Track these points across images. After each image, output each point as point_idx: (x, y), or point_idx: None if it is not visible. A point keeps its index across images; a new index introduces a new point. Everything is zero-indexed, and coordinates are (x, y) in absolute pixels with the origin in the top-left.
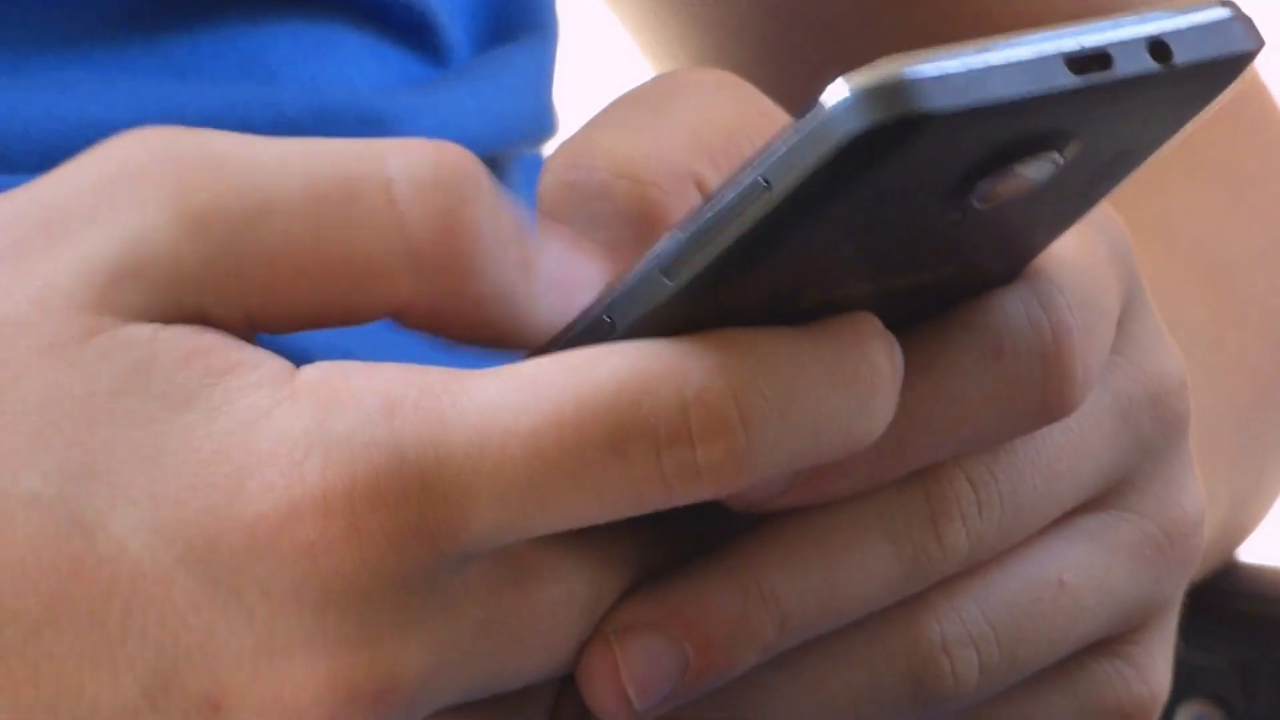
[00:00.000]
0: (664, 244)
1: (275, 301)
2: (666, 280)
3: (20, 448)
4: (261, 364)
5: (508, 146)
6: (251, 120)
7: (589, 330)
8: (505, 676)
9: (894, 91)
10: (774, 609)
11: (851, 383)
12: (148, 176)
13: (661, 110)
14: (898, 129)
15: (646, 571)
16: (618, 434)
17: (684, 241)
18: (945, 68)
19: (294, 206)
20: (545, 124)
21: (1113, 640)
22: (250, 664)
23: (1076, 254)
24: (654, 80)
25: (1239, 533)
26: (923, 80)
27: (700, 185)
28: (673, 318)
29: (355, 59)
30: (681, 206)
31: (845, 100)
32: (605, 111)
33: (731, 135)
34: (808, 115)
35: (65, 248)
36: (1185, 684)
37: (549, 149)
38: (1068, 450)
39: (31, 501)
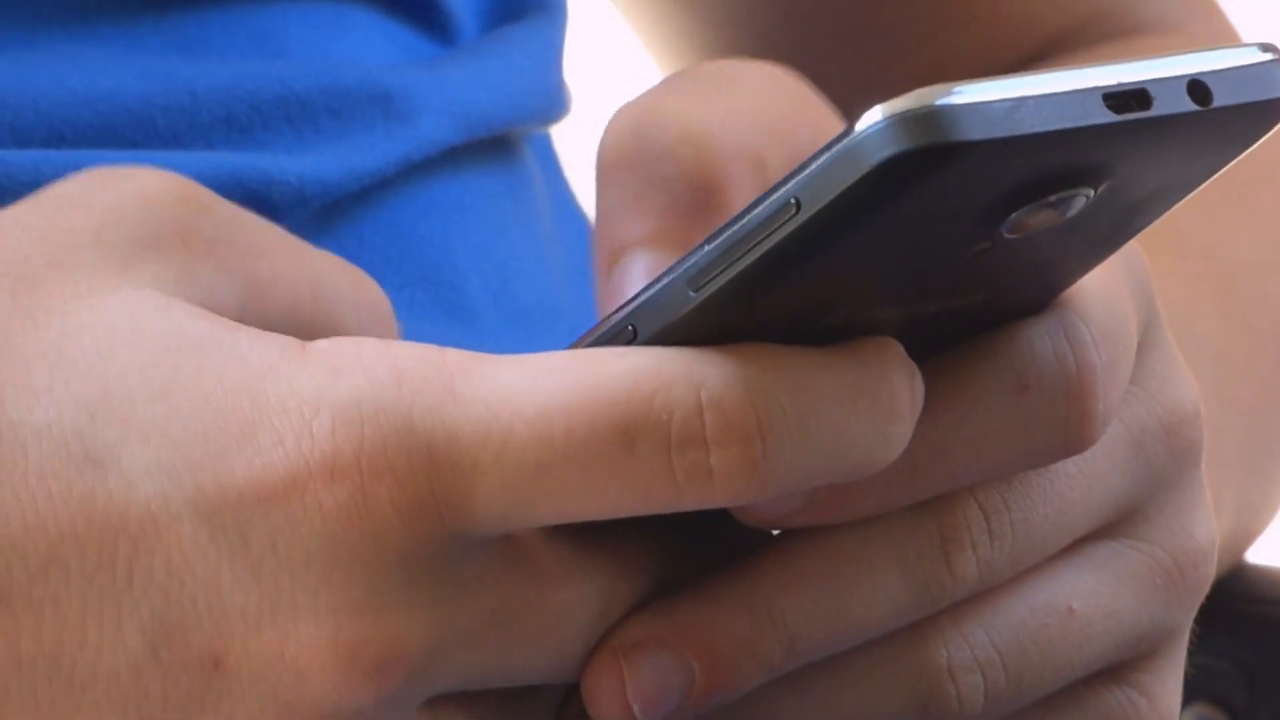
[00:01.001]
0: (691, 256)
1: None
2: (691, 292)
3: (37, 380)
4: (267, 332)
5: (517, 124)
6: (261, 96)
7: (610, 337)
8: (510, 671)
9: (928, 119)
10: (782, 631)
11: (872, 407)
12: (142, 169)
13: (726, 88)
14: (929, 156)
15: (658, 585)
16: (628, 428)
17: (711, 255)
18: (981, 98)
19: (273, 230)
20: (556, 103)
21: (1124, 668)
22: (254, 619)
23: (1101, 286)
24: (713, 64)
25: (1245, 538)
26: (957, 109)
27: (760, 163)
28: (695, 330)
29: (364, 36)
30: (741, 180)
31: (879, 125)
32: (670, 80)
33: (789, 123)
34: (841, 138)
35: (79, 220)
36: (1189, 687)
37: (560, 128)
38: (1080, 479)
39: (44, 432)
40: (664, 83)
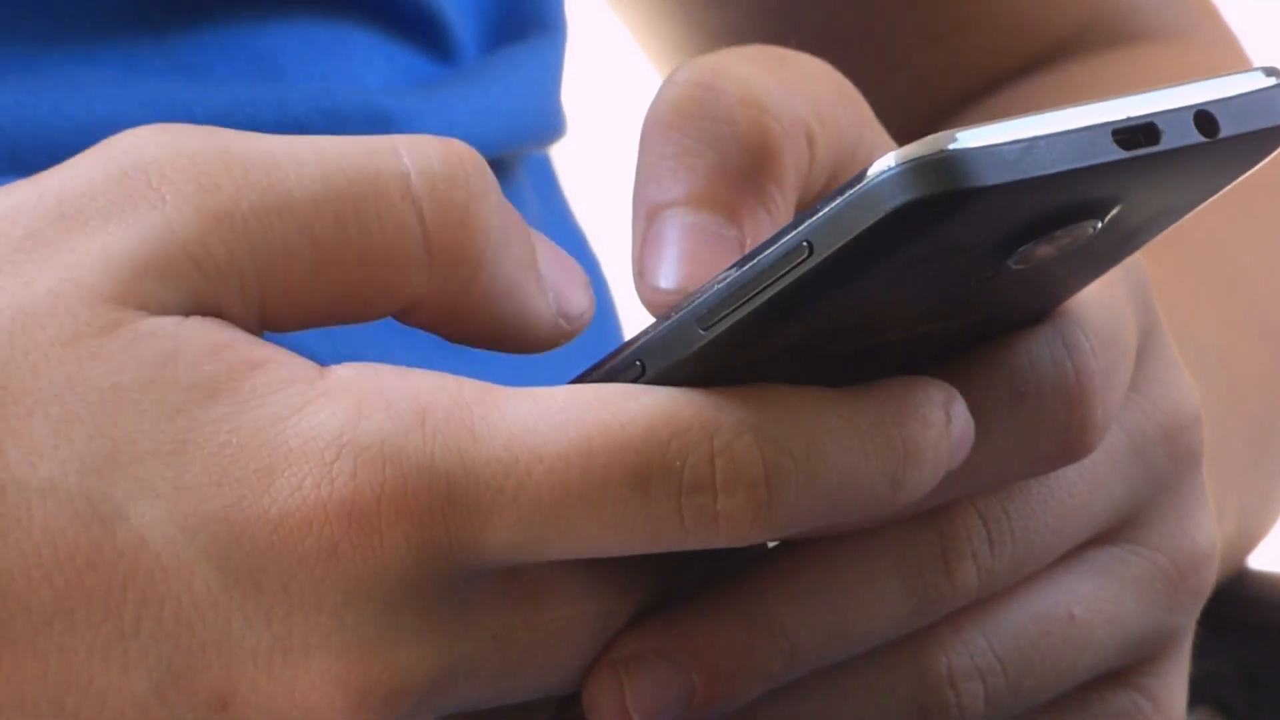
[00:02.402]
0: (701, 294)
1: (290, 299)
2: (701, 330)
3: (39, 437)
4: (288, 361)
5: (516, 147)
6: (259, 120)
7: (618, 372)
8: (512, 690)
9: (941, 166)
10: (782, 641)
11: (884, 454)
12: (165, 172)
13: (781, 65)
14: (943, 202)
15: (656, 597)
16: (642, 472)
17: (721, 294)
18: (991, 141)
19: (313, 202)
20: (554, 125)
21: (1128, 672)
22: (265, 661)
23: (1099, 293)
24: (767, 46)
25: (1248, 543)
26: (970, 154)
27: (811, 138)
28: (704, 368)
29: (365, 58)
30: (796, 152)
31: (892, 171)
32: (731, 50)
33: (834, 108)
34: (854, 183)
35: (84, 240)
36: (1191, 691)
37: (558, 150)
38: (1080, 486)
39: (49, 491)
40: (724, 51)
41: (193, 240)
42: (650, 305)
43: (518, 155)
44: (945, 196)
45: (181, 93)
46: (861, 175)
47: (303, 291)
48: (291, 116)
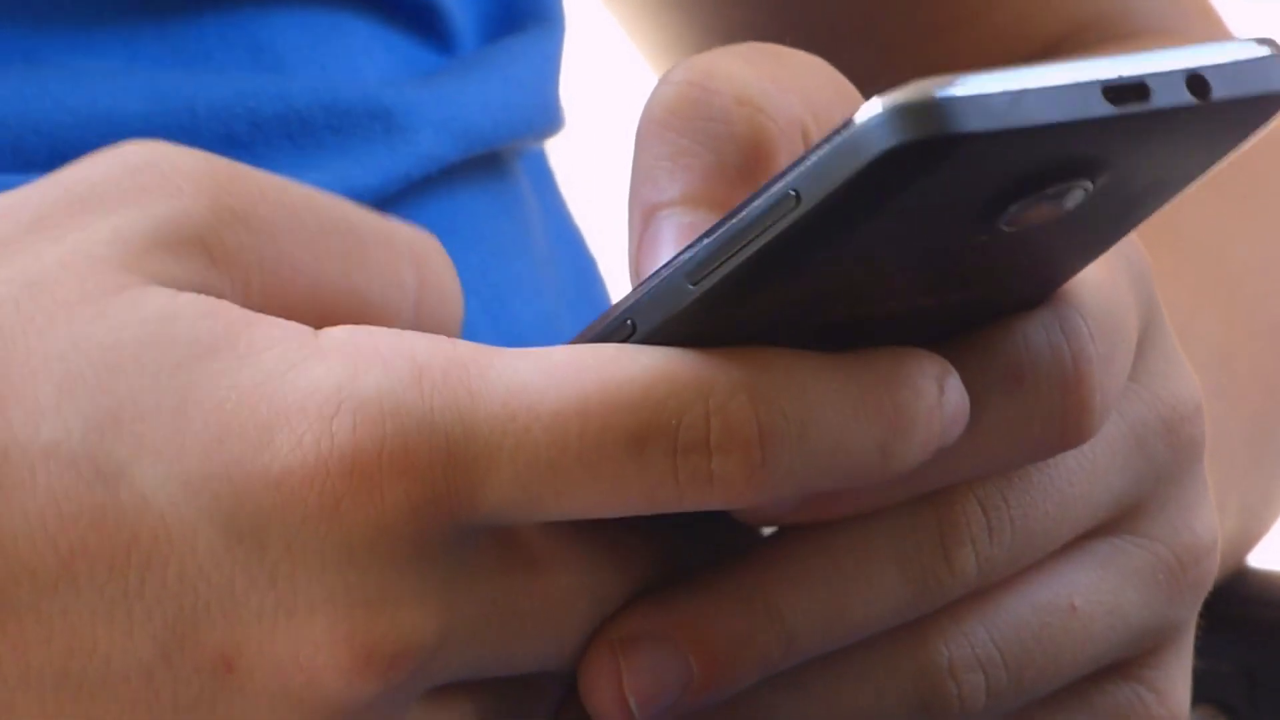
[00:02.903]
0: (691, 250)
1: (280, 313)
2: (691, 286)
3: (42, 398)
4: (281, 322)
5: (513, 140)
6: (261, 112)
7: (610, 332)
8: (511, 658)
9: (927, 110)
10: (780, 627)
11: (874, 419)
12: (180, 168)
13: (775, 62)
14: (929, 148)
15: (655, 576)
16: (639, 432)
17: (711, 247)
18: (980, 90)
19: (320, 226)
20: (552, 118)
21: (1131, 664)
22: (269, 621)
23: (1099, 280)
24: (760, 43)
25: (1248, 541)
26: (957, 101)
27: (806, 135)
28: (693, 326)
29: (364, 47)
30: (792, 150)
31: (878, 117)
32: (724, 49)
33: (829, 104)
34: (840, 130)
35: (95, 220)
36: (1192, 690)
37: (554, 148)
38: (1080, 475)
39: (52, 452)
40: (718, 50)
41: (207, 229)
42: None
43: (515, 149)
44: (931, 142)
45: (183, 84)
46: (849, 122)
47: (292, 310)
48: (294, 110)
